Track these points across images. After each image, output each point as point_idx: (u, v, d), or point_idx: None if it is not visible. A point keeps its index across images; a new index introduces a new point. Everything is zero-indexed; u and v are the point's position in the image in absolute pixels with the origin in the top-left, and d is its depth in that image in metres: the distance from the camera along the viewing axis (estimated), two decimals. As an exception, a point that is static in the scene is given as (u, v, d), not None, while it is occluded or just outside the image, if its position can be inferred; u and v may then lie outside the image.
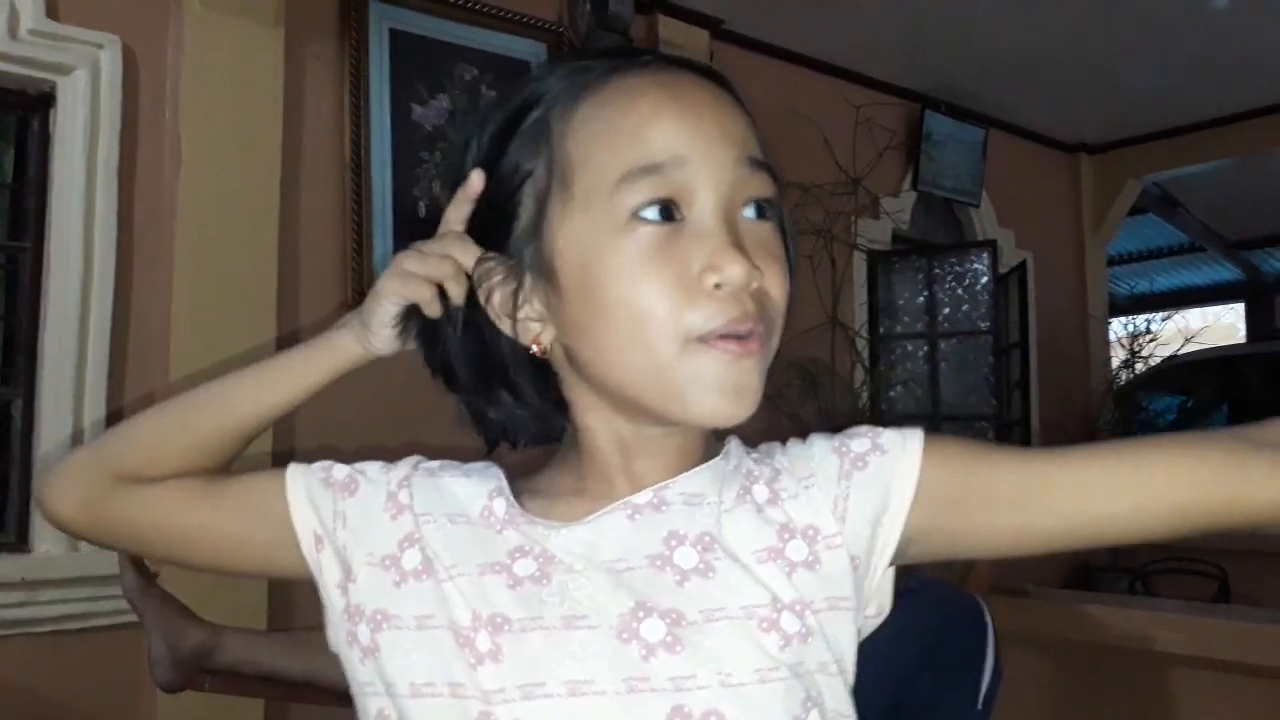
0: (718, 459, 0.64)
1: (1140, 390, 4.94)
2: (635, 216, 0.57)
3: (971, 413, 3.77)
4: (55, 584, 2.01)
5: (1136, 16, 3.31)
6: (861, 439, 0.63)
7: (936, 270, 3.81)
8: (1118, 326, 4.96)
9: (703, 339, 0.56)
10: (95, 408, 2.09)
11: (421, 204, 2.59)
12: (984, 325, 3.77)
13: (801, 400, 3.33)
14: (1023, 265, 4.21)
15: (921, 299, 3.82)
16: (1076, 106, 4.22)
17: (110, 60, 2.14)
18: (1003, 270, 3.97)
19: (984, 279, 3.79)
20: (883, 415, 3.58)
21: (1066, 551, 0.64)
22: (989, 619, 1.58)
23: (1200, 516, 0.59)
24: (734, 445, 0.66)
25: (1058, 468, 0.61)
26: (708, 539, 0.60)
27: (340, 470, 0.68)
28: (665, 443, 0.63)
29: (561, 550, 0.61)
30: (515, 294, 0.62)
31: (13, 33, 2.06)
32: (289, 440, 2.16)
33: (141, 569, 1.73)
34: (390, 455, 0.70)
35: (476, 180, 0.63)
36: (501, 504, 0.63)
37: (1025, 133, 4.40)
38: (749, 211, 0.59)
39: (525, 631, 0.58)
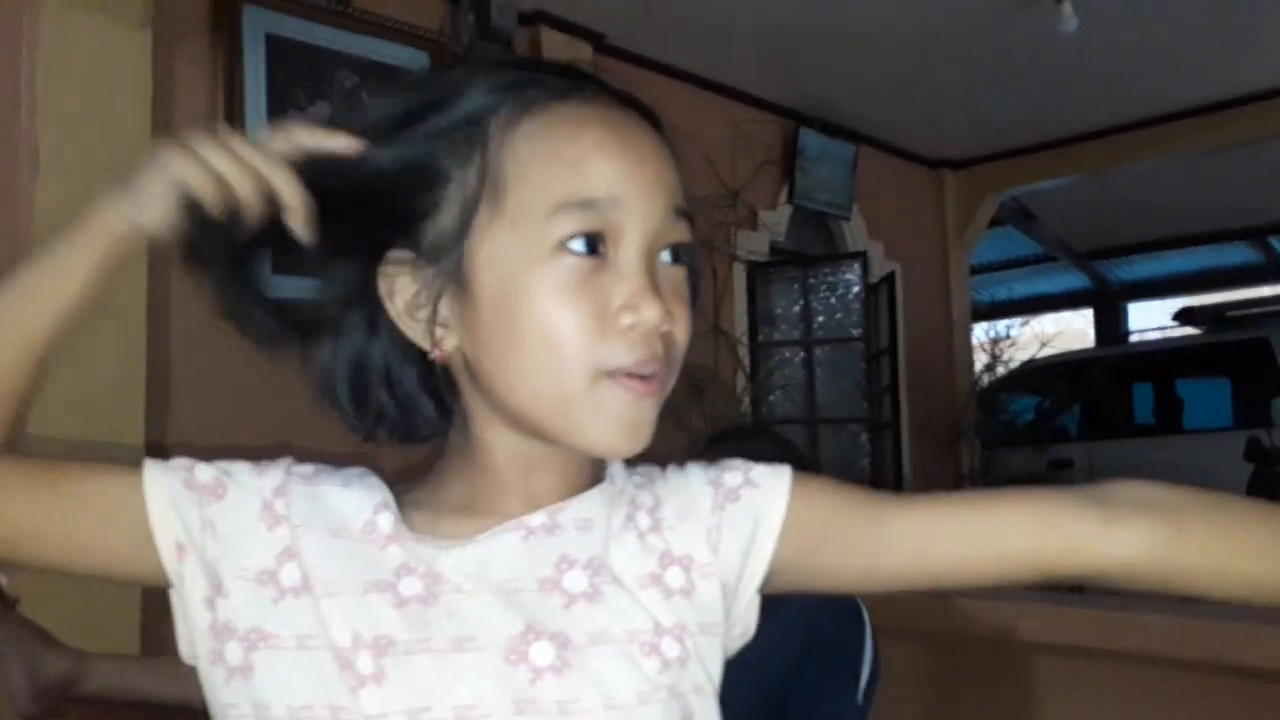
0: (606, 483, 0.65)
1: (1001, 392, 5.22)
2: (562, 245, 0.58)
3: (846, 416, 3.91)
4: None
5: (994, 42, 3.51)
6: (735, 473, 0.66)
7: (811, 280, 3.94)
8: (979, 332, 5.23)
9: (610, 374, 0.58)
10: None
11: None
12: (855, 332, 3.91)
13: (688, 407, 3.39)
14: (891, 275, 4.39)
15: (798, 308, 3.94)
16: (940, 125, 4.43)
17: (-40, 60, 2.03)
18: (873, 280, 4.12)
19: (855, 288, 3.94)
20: (764, 420, 3.68)
21: (915, 591, 0.67)
22: (866, 613, 1.63)
23: (1033, 568, 0.63)
24: (617, 468, 0.67)
25: (909, 513, 0.64)
26: (597, 563, 0.61)
27: (204, 471, 0.62)
28: (560, 460, 0.63)
29: (451, 570, 0.60)
30: (424, 297, 0.61)
31: None
32: (159, 433, 2.09)
33: None
34: (254, 455, 0.65)
35: (348, 145, 0.60)
36: (387, 519, 0.61)
37: (893, 149, 4.60)
38: (666, 255, 0.61)
39: (411, 654, 0.57)
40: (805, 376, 3.93)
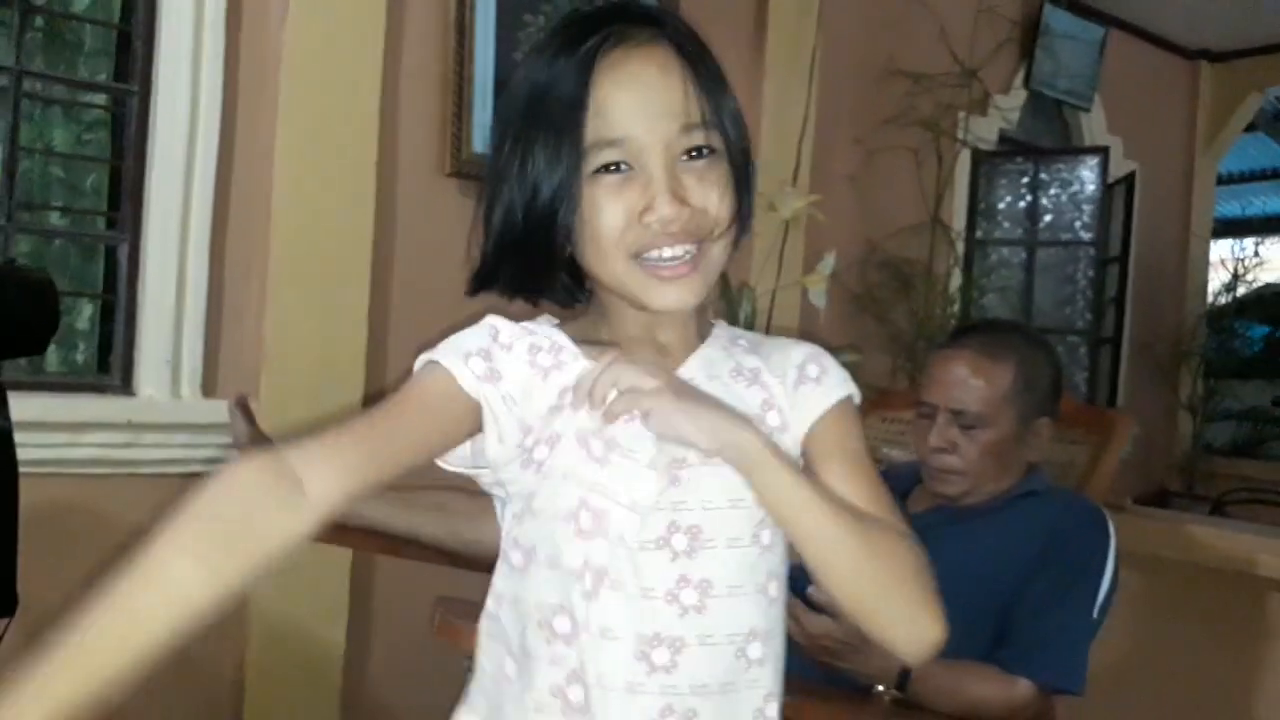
0: (713, 338, 0.84)
1: (1235, 317, 4.76)
2: (600, 170, 0.76)
3: (1065, 326, 3.65)
4: (157, 428, 2.03)
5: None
6: (814, 365, 0.82)
7: (1042, 175, 3.64)
8: (1220, 249, 4.74)
9: (636, 257, 0.76)
10: (199, 255, 2.07)
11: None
12: (1087, 236, 3.62)
13: (893, 301, 3.24)
14: (1131, 176, 4.01)
15: (1023, 204, 3.66)
16: (1203, 9, 3.95)
17: (218, -102, 2.05)
18: (1110, 180, 3.78)
19: (1091, 187, 3.62)
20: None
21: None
22: (1111, 527, 1.52)
23: None
24: (720, 328, 0.85)
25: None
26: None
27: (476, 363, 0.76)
28: (674, 317, 0.80)
29: None
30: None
31: None
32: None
33: (250, 418, 1.73)
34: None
35: None
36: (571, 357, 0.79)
37: (1147, 35, 4.15)
38: (688, 155, 0.76)
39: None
40: (1024, 280, 3.67)
